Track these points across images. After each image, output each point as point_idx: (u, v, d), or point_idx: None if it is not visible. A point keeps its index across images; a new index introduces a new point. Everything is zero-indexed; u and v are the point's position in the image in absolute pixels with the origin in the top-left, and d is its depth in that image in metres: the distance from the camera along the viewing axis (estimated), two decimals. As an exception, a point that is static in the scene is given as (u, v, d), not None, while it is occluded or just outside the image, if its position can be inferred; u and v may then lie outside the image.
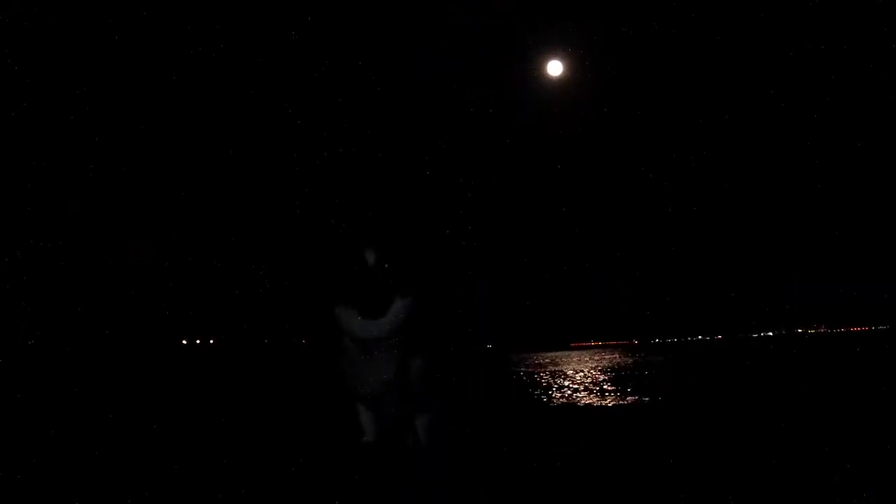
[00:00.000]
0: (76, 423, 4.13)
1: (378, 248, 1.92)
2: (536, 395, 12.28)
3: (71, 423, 4.15)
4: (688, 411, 5.88)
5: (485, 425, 3.40)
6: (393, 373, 1.97)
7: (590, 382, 15.81)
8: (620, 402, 9.82)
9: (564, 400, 11.09)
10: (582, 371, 22.38)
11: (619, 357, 39.67)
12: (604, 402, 9.65)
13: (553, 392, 13.05)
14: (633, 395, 10.98)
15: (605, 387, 13.88)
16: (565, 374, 20.78)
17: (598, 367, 25.62)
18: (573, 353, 62.47)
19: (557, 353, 58.44)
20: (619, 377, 17.43)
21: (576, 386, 14.78)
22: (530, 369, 25.16)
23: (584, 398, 11.25)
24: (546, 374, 20.64)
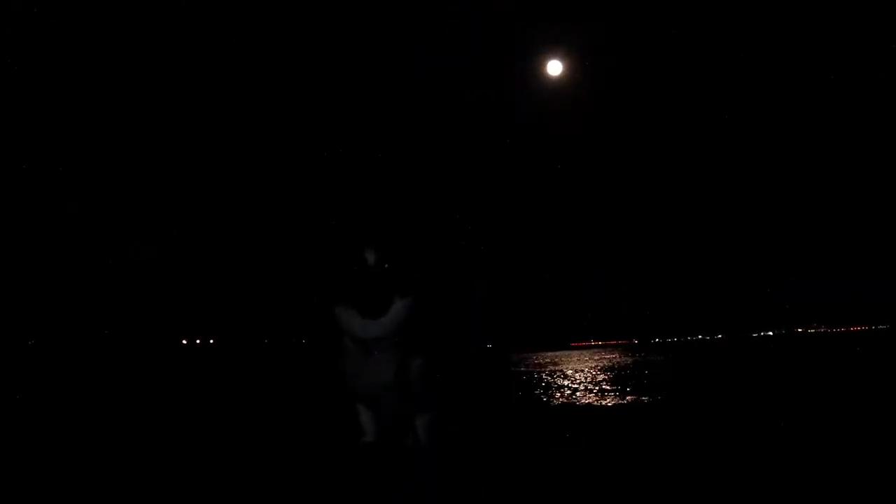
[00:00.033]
0: (76, 423, 4.13)
1: (378, 249, 1.91)
2: (536, 394, 12.28)
3: (71, 422, 4.15)
4: (688, 411, 5.88)
5: (485, 425, 3.40)
6: (393, 373, 1.96)
7: (590, 382, 15.81)
8: (620, 401, 9.81)
9: (564, 400, 11.09)
10: (582, 371, 22.38)
11: (619, 357, 39.67)
12: (604, 402, 9.65)
13: (553, 392, 13.05)
14: (633, 395, 10.98)
15: (604, 386, 13.87)
16: (565, 373, 20.77)
17: (598, 366, 25.62)
18: (573, 353, 62.45)
19: (557, 353, 58.42)
20: (618, 377, 17.42)
21: (576, 386, 14.77)
22: (530, 369, 25.15)
23: (584, 398, 11.25)
24: (546, 374, 20.64)
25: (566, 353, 63.75)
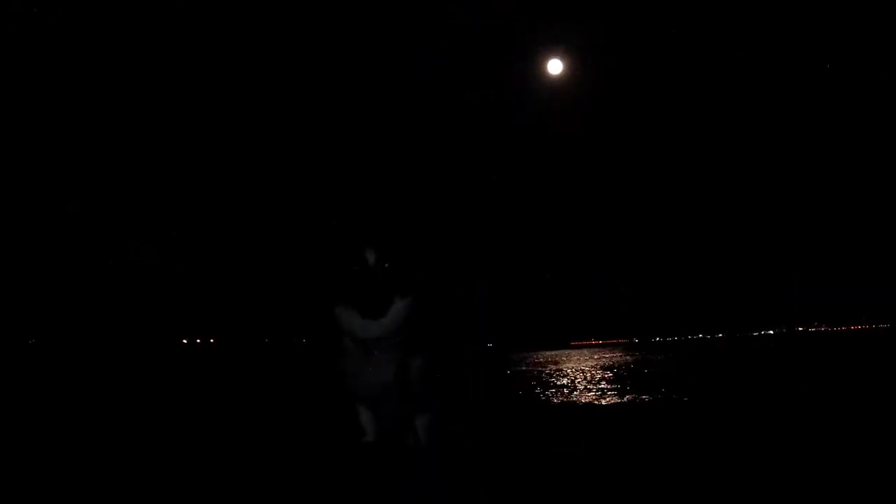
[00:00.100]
0: (76, 423, 4.13)
1: (378, 249, 1.92)
2: (536, 394, 12.28)
3: (71, 422, 4.15)
4: (688, 410, 5.88)
5: (485, 425, 3.41)
6: (393, 373, 1.97)
7: (590, 381, 15.81)
8: (620, 400, 9.81)
9: (564, 399, 11.09)
10: (582, 370, 22.38)
11: (620, 356, 39.67)
12: (604, 401, 9.65)
13: (553, 391, 13.05)
14: (633, 394, 10.98)
15: (604, 385, 13.88)
16: (565, 372, 20.78)
17: (598, 365, 25.63)
18: (573, 352, 62.46)
19: (557, 352, 58.43)
20: (619, 376, 17.42)
21: (576, 385, 14.78)
22: (530, 368, 25.16)
23: (584, 397, 11.26)
24: (546, 373, 20.65)
25: (566, 352, 63.76)
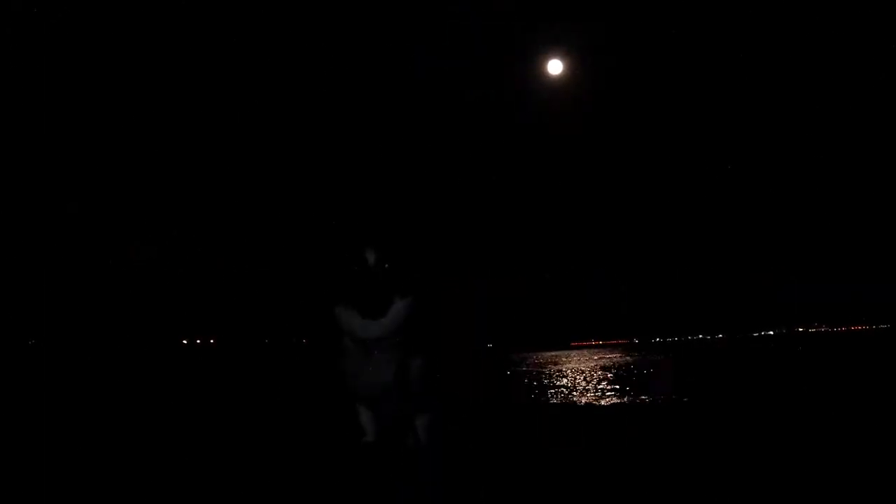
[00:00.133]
0: (76, 423, 4.13)
1: (378, 249, 1.91)
2: (536, 394, 12.28)
3: (71, 423, 4.15)
4: (688, 410, 5.88)
5: (485, 425, 3.40)
6: (393, 373, 1.96)
7: (590, 382, 15.81)
8: (620, 401, 9.82)
9: (564, 399, 11.09)
10: (582, 370, 22.38)
11: (620, 356, 39.68)
12: (604, 402, 9.65)
13: (553, 391, 13.05)
14: (634, 395, 10.98)
15: (604, 386, 13.88)
16: (565, 373, 20.78)
17: (598, 366, 25.62)
18: (573, 353, 62.47)
19: (558, 353, 58.44)
20: (619, 376, 17.43)
21: (576, 385, 14.78)
22: (530, 368, 25.16)
23: (585, 398, 11.26)
24: (546, 374, 20.64)
25: (566, 352, 63.77)
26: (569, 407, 8.32)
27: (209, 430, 3.93)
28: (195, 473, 2.64)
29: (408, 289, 1.93)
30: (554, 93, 8.34)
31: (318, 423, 3.57)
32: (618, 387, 13.38)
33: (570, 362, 32.21)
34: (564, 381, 16.63)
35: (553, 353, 55.23)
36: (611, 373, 19.53)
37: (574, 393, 12.48)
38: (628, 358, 34.75)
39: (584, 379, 17.14)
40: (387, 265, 1.90)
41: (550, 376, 19.04)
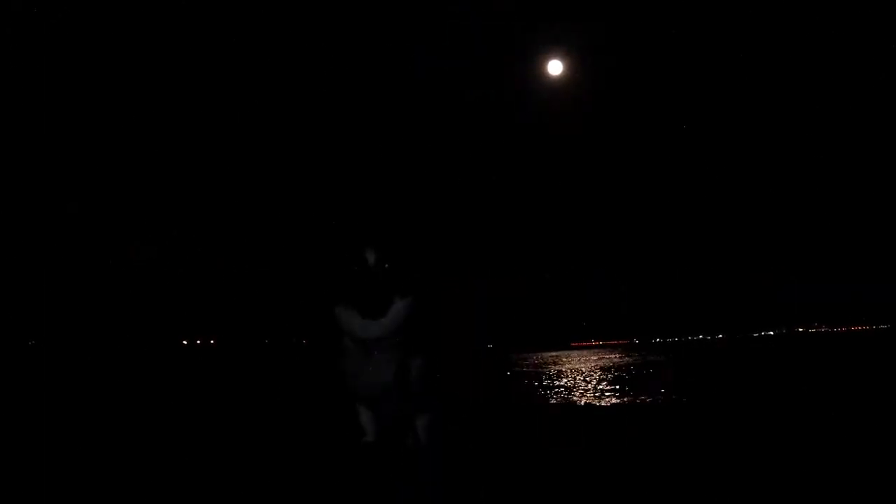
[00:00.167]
0: (76, 424, 4.13)
1: (378, 249, 1.91)
2: (536, 394, 12.28)
3: (71, 423, 4.15)
4: (688, 411, 5.88)
5: (485, 425, 3.40)
6: (393, 373, 1.97)
7: (590, 382, 15.81)
8: (620, 401, 9.82)
9: (564, 399, 11.09)
10: (582, 371, 22.38)
11: (620, 357, 39.68)
12: (604, 402, 9.65)
13: (553, 392, 13.06)
14: (634, 395, 10.98)
15: (604, 386, 13.88)
16: (566, 373, 20.78)
17: (598, 366, 25.63)
18: (574, 353, 62.47)
19: (558, 353, 58.44)
20: (619, 377, 17.43)
21: (576, 385, 14.78)
22: (530, 369, 25.16)
23: (585, 398, 11.26)
24: (546, 374, 20.65)
25: (566, 353, 63.77)
26: (569, 407, 8.32)
27: (209, 430, 3.93)
28: (195, 473, 2.64)
29: (408, 289, 1.93)
30: (554, 93, 8.34)
31: (318, 423, 3.57)
32: (618, 387, 13.38)
33: (570, 363, 32.22)
34: (564, 381, 16.63)
35: (553, 354, 55.23)
36: (611, 373, 19.53)
37: (574, 393, 12.48)
38: (628, 358, 34.76)
39: (584, 379, 17.14)
40: (387, 265, 1.90)
41: (550, 376, 19.04)
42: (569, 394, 12.36)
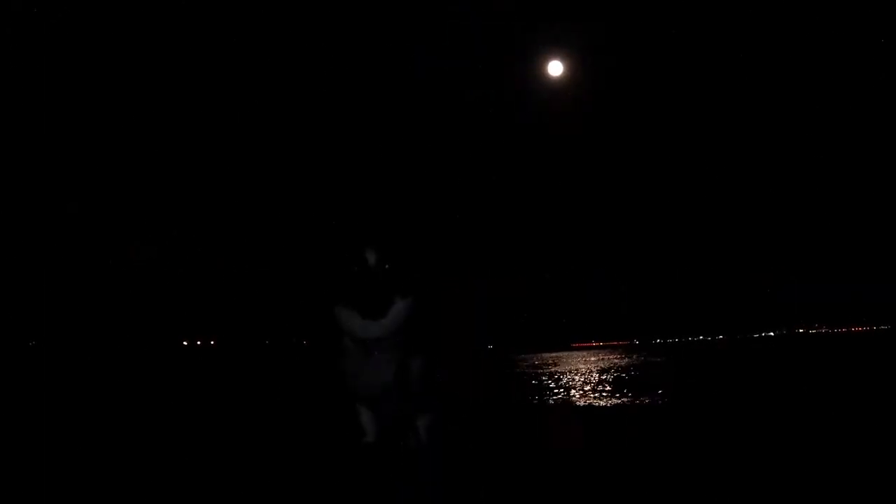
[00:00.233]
0: (76, 424, 4.13)
1: (378, 249, 1.91)
2: (536, 395, 12.27)
3: (71, 423, 4.15)
4: (688, 412, 5.88)
5: (485, 425, 3.40)
6: (393, 373, 1.97)
7: (590, 383, 15.81)
8: (620, 402, 9.81)
9: (564, 400, 11.09)
10: (582, 371, 22.38)
11: (620, 357, 39.66)
12: (604, 402, 9.64)
13: (553, 392, 13.05)
14: (634, 396, 10.97)
15: (605, 387, 13.87)
16: (566, 374, 20.77)
17: (598, 367, 25.62)
18: (574, 354, 62.47)
19: (558, 354, 58.45)
20: (619, 377, 17.43)
21: (576, 386, 14.77)
22: (531, 369, 25.16)
23: (584, 398, 11.25)
24: (546, 374, 20.64)
25: (567, 353, 63.76)
26: (569, 407, 8.32)
27: (210, 430, 3.93)
28: (195, 474, 2.64)
29: (408, 289, 1.94)
30: (554, 94, 8.35)
31: (318, 424, 3.57)
32: (618, 387, 13.37)
33: (570, 363, 32.20)
34: (565, 381, 16.63)
35: (554, 355, 55.21)
36: (611, 374, 19.53)
37: (574, 393, 12.48)
38: (629, 359, 34.75)
39: (585, 380, 17.14)
40: (387, 265, 1.90)
41: (551, 377, 19.04)
42: (569, 394, 12.36)
